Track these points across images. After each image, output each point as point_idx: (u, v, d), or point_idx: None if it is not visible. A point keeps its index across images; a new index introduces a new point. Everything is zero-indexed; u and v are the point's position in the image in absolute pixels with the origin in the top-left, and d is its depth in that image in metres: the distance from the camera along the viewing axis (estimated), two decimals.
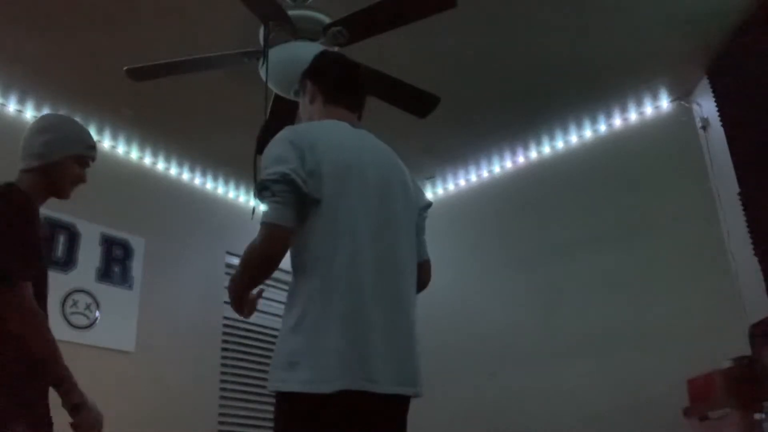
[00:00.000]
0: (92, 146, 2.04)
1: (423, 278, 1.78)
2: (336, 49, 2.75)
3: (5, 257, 1.74)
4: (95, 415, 1.75)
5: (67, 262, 3.69)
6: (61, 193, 1.99)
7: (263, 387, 4.24)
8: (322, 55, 1.92)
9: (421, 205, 1.80)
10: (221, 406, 4.25)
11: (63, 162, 1.95)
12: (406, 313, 1.60)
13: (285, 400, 1.46)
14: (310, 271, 1.52)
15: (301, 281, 1.53)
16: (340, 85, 1.81)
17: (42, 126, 2.01)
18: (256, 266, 1.56)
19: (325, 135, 1.64)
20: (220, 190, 4.71)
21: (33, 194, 1.90)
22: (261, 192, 1.52)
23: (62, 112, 3.76)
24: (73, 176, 1.98)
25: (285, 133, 1.61)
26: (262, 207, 1.55)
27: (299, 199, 1.51)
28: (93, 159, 2.05)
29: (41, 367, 1.72)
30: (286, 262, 1.58)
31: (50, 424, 1.78)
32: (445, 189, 4.87)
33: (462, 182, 4.80)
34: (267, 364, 1.55)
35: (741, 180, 3.29)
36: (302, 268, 1.54)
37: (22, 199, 1.84)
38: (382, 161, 1.72)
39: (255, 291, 1.68)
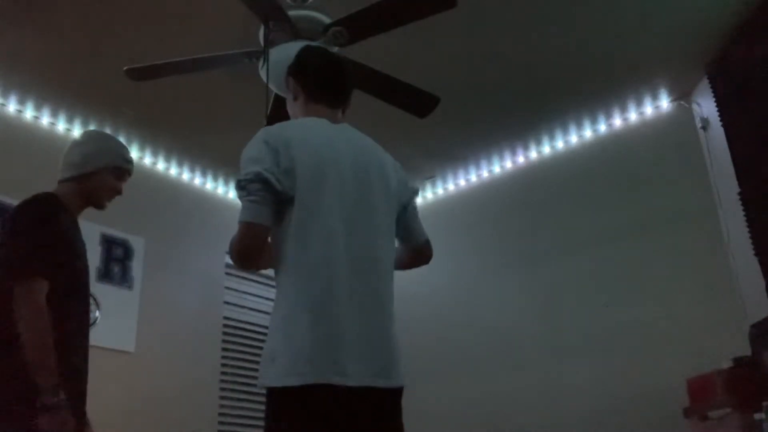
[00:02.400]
0: (129, 160, 2.12)
1: (427, 254, 1.87)
2: (336, 49, 2.75)
3: (18, 254, 1.84)
4: (63, 424, 1.73)
5: None
6: (97, 203, 2.08)
7: None
8: (304, 51, 1.91)
9: (408, 195, 1.81)
10: (221, 406, 4.25)
11: (99, 173, 2.05)
12: (381, 306, 1.61)
13: (268, 395, 1.50)
14: (287, 269, 1.56)
15: (280, 279, 1.57)
16: (321, 81, 1.82)
17: (82, 139, 2.12)
18: (239, 262, 1.62)
19: (300, 132, 1.65)
20: (220, 190, 4.71)
21: (69, 203, 2.00)
22: (238, 192, 1.57)
23: (62, 112, 3.78)
24: (108, 187, 2.07)
25: (260, 134, 1.63)
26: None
27: (275, 197, 1.55)
28: (129, 173, 2.13)
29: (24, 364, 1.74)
30: None
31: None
32: (445, 189, 4.87)
33: (462, 182, 4.80)
34: None
35: (741, 180, 3.29)
36: (280, 267, 1.58)
37: (42, 204, 1.93)
38: (360, 154, 1.71)
39: None
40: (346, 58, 2.27)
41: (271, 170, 1.54)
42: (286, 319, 1.51)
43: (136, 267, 4.01)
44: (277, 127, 1.68)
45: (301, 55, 1.88)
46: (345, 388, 1.46)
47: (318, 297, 1.51)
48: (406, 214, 1.79)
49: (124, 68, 2.87)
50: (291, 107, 1.86)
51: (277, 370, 1.46)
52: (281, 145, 1.58)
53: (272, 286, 1.70)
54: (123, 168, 2.10)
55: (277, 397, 1.47)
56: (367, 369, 1.51)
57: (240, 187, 1.56)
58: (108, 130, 3.95)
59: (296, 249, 1.55)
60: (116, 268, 3.92)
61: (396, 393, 1.60)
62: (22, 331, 1.75)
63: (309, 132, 1.67)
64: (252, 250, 1.57)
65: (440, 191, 4.89)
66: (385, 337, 1.59)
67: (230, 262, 4.47)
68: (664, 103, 3.96)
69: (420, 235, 1.84)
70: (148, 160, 4.29)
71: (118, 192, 2.11)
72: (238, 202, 1.58)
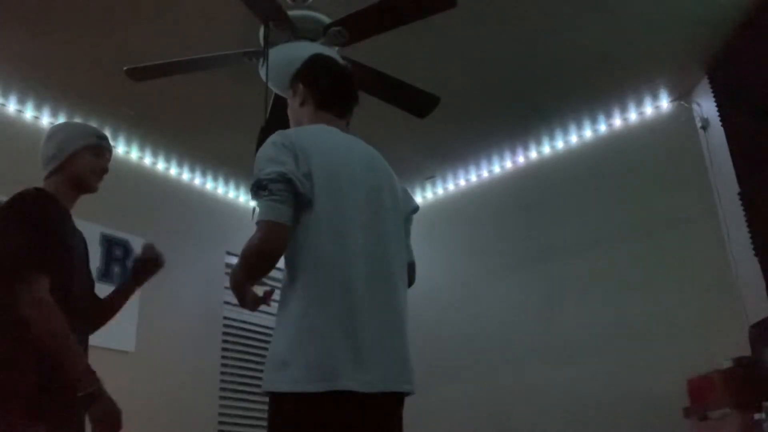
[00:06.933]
0: (101, 136, 2.08)
1: (410, 276, 1.80)
2: (336, 49, 2.75)
3: (12, 253, 1.77)
4: (111, 408, 1.74)
5: None
6: (85, 185, 2.03)
7: None
8: (316, 58, 1.92)
9: (409, 210, 1.82)
10: (221, 406, 4.25)
11: (76, 156, 2.00)
12: (396, 313, 1.61)
13: (277, 401, 1.47)
14: (303, 273, 1.53)
15: (293, 283, 1.54)
16: (333, 91, 1.83)
17: (50, 132, 2.08)
18: (255, 264, 1.57)
19: (316, 140, 1.65)
20: (220, 190, 4.71)
21: (59, 196, 1.96)
22: (258, 191, 1.53)
23: (62, 112, 3.78)
24: (90, 166, 2.01)
25: (276, 138, 1.62)
26: (258, 207, 1.56)
27: (295, 198, 1.54)
28: (106, 147, 2.08)
29: (56, 367, 1.71)
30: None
31: None
32: (445, 189, 4.87)
33: (462, 182, 4.80)
34: None
35: (741, 180, 3.29)
36: (294, 270, 1.55)
37: (29, 199, 1.88)
38: (372, 167, 1.73)
39: (266, 290, 1.68)
40: (352, 71, 2.27)
41: (293, 171, 1.53)
42: (301, 323, 1.48)
43: None
44: (293, 132, 1.68)
45: (315, 63, 1.88)
46: (360, 394, 1.45)
47: (336, 302, 1.50)
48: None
49: (124, 68, 2.87)
50: (295, 112, 1.86)
51: (292, 376, 1.43)
52: (299, 149, 1.58)
53: (274, 287, 1.67)
54: (98, 145, 2.04)
55: (288, 403, 1.44)
56: (385, 375, 1.51)
57: (260, 186, 1.52)
58: (108, 130, 3.96)
59: (314, 255, 1.53)
60: (116, 268, 3.92)
61: (402, 398, 1.60)
62: (36, 335, 1.69)
63: (324, 139, 1.68)
64: (274, 251, 1.52)
65: (440, 191, 4.89)
66: (401, 345, 1.59)
67: (230, 261, 4.48)
68: (664, 103, 3.95)
69: (408, 256, 1.80)
70: (148, 160, 4.29)
71: (102, 168, 2.05)
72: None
